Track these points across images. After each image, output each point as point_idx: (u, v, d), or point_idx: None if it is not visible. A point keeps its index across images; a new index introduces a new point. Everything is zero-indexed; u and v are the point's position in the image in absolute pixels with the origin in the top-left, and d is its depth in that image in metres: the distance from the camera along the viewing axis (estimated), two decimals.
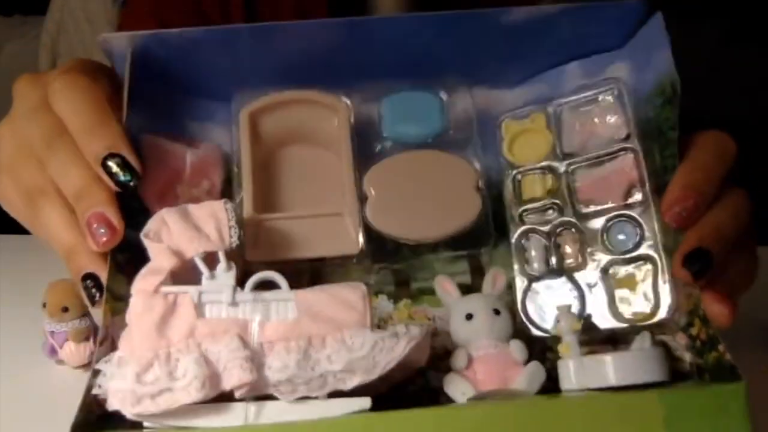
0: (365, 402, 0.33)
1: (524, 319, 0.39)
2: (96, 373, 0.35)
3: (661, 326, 0.37)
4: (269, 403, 0.33)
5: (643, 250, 0.38)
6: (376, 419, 0.32)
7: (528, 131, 0.42)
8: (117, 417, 0.34)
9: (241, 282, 0.37)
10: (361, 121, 0.43)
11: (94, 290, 0.37)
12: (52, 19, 0.85)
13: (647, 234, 0.38)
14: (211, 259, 0.36)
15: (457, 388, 0.36)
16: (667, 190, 0.37)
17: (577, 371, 0.35)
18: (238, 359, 0.32)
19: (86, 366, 0.47)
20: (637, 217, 0.38)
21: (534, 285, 0.40)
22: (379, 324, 0.41)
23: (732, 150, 0.39)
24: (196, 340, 0.33)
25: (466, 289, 0.41)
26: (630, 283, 0.38)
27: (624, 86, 0.40)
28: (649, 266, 0.38)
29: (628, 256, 0.38)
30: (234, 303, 0.34)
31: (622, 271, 0.38)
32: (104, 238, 0.37)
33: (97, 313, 0.38)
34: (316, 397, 0.33)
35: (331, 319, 0.34)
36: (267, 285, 0.36)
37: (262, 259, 0.40)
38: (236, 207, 0.38)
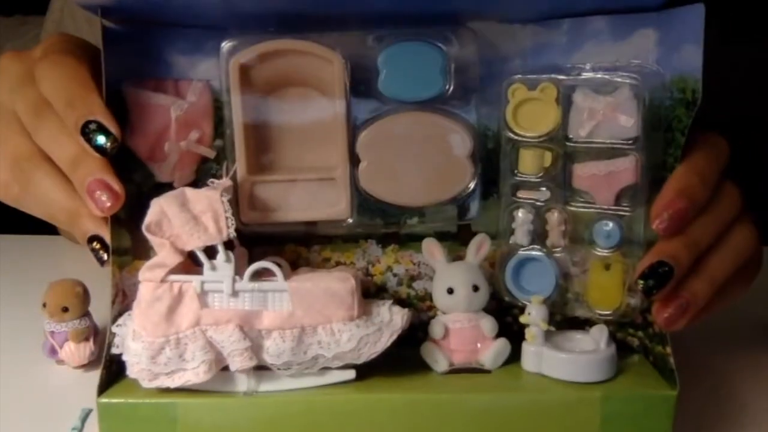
0: (350, 374, 0.41)
1: (501, 286, 0.45)
2: (114, 332, 0.42)
3: (624, 315, 0.43)
4: (267, 373, 0.41)
5: (623, 248, 0.42)
6: (359, 400, 0.40)
7: (535, 101, 0.42)
8: None
9: (239, 235, 0.42)
10: (358, 70, 0.43)
11: (101, 252, 0.42)
12: (52, 20, 0.76)
13: (630, 235, 0.42)
14: (210, 247, 0.40)
15: (433, 357, 0.43)
16: (661, 193, 0.40)
17: (536, 359, 0.42)
18: (239, 349, 0.39)
19: (86, 366, 0.50)
20: (624, 217, 0.42)
21: (515, 255, 0.45)
22: (368, 268, 0.47)
23: (726, 152, 0.41)
24: (201, 328, 0.39)
25: (450, 239, 0.46)
26: (604, 274, 0.42)
27: (645, 87, 0.40)
28: (626, 263, 0.42)
29: (608, 251, 0.42)
30: (234, 293, 0.40)
31: (600, 263, 0.43)
32: (108, 204, 0.40)
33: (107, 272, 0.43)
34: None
35: (321, 312, 0.40)
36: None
37: (256, 220, 0.44)
38: (230, 197, 0.41)
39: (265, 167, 0.45)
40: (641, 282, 0.39)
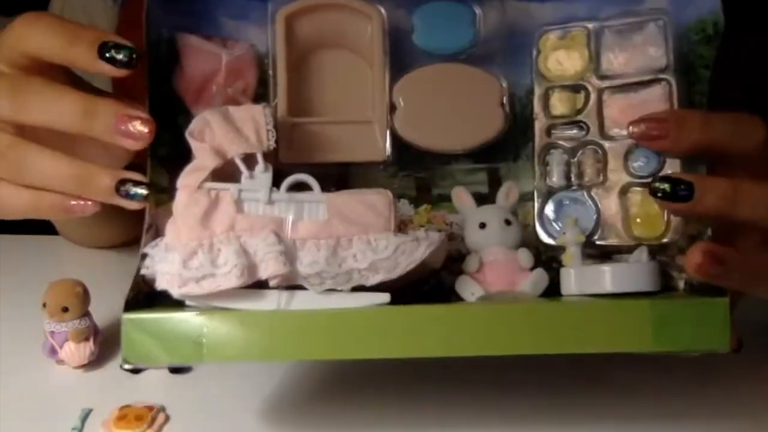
0: (385, 297, 0.42)
1: (538, 229, 0.47)
2: (144, 256, 0.44)
3: (665, 248, 0.44)
4: (299, 293, 0.42)
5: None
6: (394, 312, 0.41)
7: (566, 48, 0.47)
8: (162, 295, 0.43)
9: (275, 181, 0.45)
10: (394, 29, 0.49)
11: (136, 188, 0.42)
12: None
13: (667, 162, 0.44)
14: (249, 160, 0.44)
15: (468, 288, 0.44)
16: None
17: (577, 279, 0.42)
18: (273, 252, 0.41)
19: (86, 366, 0.52)
20: None
21: (552, 198, 0.47)
22: (400, 226, 0.49)
23: (759, 127, 0.41)
24: (236, 233, 0.41)
25: (482, 199, 0.48)
26: (644, 205, 0.45)
27: (669, 19, 0.45)
28: None
29: (646, 180, 0.44)
30: (270, 202, 0.42)
31: (639, 194, 0.45)
32: (145, 129, 0.41)
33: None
34: (341, 290, 0.42)
35: (359, 222, 0.42)
36: (300, 186, 0.44)
37: (294, 160, 0.48)
38: (272, 110, 0.45)
39: (304, 111, 0.49)
40: (654, 188, 0.41)
